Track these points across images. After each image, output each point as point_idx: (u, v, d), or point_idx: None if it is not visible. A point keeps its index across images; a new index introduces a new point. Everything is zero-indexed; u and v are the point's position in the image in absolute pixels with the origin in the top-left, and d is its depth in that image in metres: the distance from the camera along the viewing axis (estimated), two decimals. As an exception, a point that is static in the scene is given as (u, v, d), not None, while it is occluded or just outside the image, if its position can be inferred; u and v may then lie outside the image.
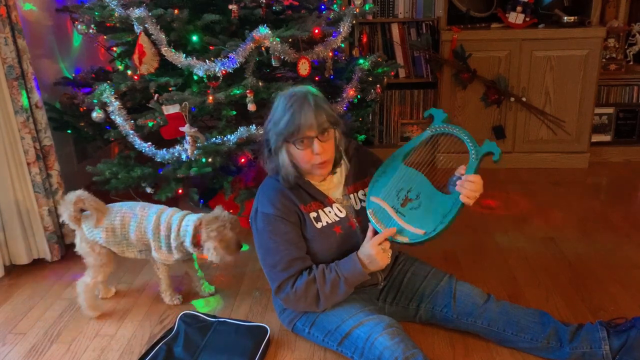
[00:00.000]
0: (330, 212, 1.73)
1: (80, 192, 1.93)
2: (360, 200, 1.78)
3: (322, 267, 1.67)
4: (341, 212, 1.74)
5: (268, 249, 1.68)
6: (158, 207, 1.99)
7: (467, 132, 1.67)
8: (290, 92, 1.62)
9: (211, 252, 1.88)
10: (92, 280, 1.97)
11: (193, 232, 1.90)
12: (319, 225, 1.70)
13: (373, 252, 1.61)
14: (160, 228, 1.92)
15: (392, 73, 3.22)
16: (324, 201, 1.73)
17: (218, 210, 1.93)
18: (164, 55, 2.12)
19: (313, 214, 1.70)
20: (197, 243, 1.91)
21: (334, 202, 1.75)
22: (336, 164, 1.75)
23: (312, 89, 1.64)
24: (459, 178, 1.63)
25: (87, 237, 1.94)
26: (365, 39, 3.41)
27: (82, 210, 1.96)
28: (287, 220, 1.67)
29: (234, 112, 2.28)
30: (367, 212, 1.69)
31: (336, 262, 1.68)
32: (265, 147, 1.68)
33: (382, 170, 1.75)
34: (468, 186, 1.58)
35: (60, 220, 1.95)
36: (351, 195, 1.78)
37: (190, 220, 1.93)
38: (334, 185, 1.77)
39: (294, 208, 1.69)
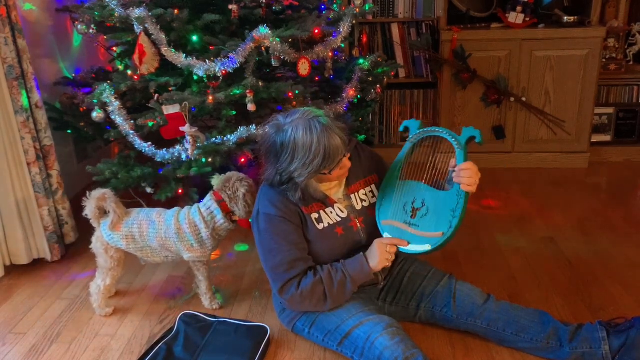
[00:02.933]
0: (331, 212, 1.73)
1: (106, 191, 1.94)
2: (361, 200, 1.78)
3: (328, 267, 1.67)
4: (342, 212, 1.74)
5: (270, 250, 1.68)
6: (172, 211, 1.99)
7: (443, 127, 1.69)
8: (307, 125, 1.54)
9: (238, 203, 1.89)
10: (102, 282, 1.99)
11: (218, 206, 1.91)
12: (320, 226, 1.70)
13: (375, 247, 1.66)
14: (182, 228, 1.92)
15: (392, 73, 3.22)
16: (325, 202, 1.73)
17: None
18: (164, 55, 2.12)
19: (314, 215, 1.70)
20: (227, 211, 1.92)
21: (335, 203, 1.75)
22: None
23: (315, 111, 1.60)
24: (454, 171, 1.65)
25: (106, 240, 1.95)
26: (365, 39, 3.41)
27: (106, 212, 1.96)
28: (289, 220, 1.67)
29: (234, 112, 2.28)
30: (384, 236, 1.71)
31: (342, 261, 1.68)
32: (278, 178, 1.63)
33: (382, 195, 1.77)
34: (464, 174, 1.60)
35: (84, 214, 1.95)
36: (352, 195, 1.78)
37: (207, 200, 1.94)
38: (334, 185, 1.77)
39: (296, 209, 1.68)
